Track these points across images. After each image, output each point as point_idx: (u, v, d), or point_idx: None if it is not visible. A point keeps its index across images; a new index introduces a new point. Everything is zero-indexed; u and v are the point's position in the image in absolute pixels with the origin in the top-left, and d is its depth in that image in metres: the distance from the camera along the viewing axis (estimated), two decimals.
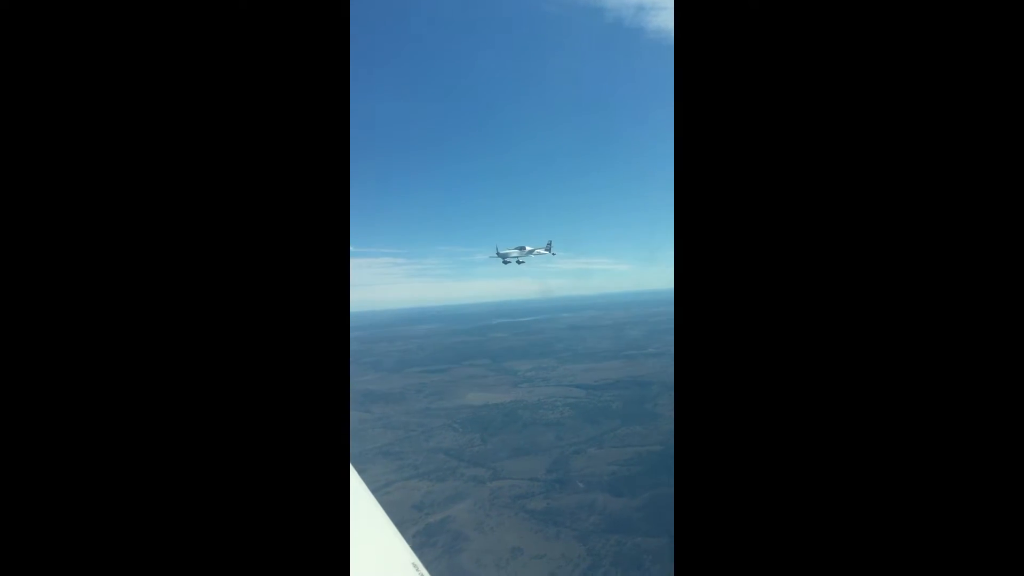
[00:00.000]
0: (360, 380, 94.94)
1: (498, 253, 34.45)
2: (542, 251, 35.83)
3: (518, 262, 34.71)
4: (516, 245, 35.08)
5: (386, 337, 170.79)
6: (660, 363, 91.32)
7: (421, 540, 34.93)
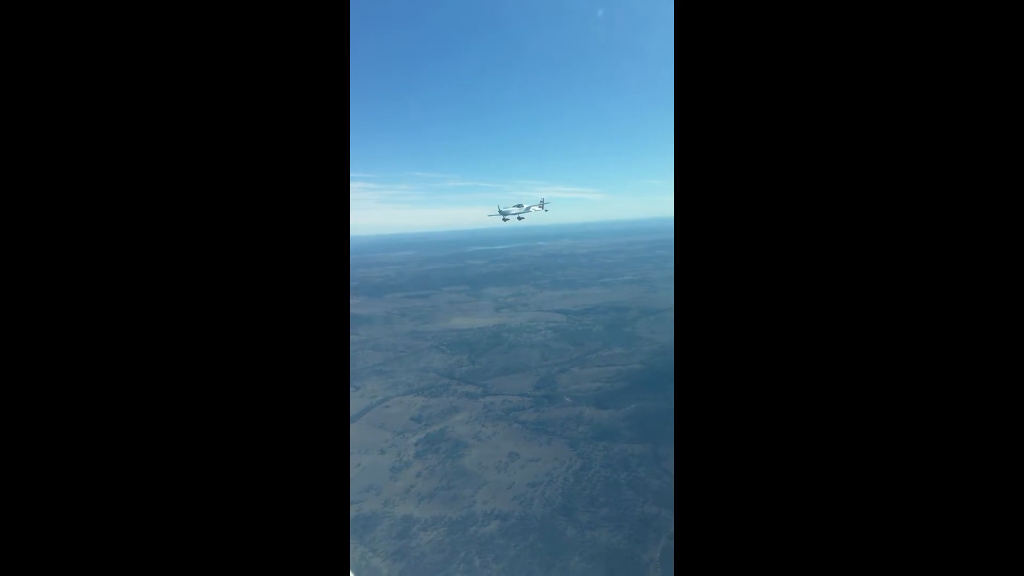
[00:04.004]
0: None
1: (499, 211, 38.24)
2: (537, 208, 40.33)
3: (518, 218, 38.90)
4: (515, 204, 39.52)
5: (363, 263, 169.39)
6: (637, 289, 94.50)
7: (424, 447, 37.32)
